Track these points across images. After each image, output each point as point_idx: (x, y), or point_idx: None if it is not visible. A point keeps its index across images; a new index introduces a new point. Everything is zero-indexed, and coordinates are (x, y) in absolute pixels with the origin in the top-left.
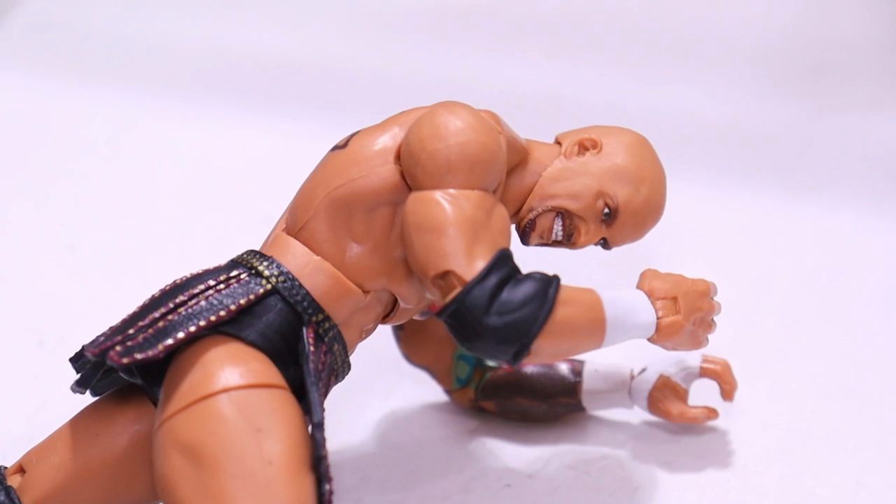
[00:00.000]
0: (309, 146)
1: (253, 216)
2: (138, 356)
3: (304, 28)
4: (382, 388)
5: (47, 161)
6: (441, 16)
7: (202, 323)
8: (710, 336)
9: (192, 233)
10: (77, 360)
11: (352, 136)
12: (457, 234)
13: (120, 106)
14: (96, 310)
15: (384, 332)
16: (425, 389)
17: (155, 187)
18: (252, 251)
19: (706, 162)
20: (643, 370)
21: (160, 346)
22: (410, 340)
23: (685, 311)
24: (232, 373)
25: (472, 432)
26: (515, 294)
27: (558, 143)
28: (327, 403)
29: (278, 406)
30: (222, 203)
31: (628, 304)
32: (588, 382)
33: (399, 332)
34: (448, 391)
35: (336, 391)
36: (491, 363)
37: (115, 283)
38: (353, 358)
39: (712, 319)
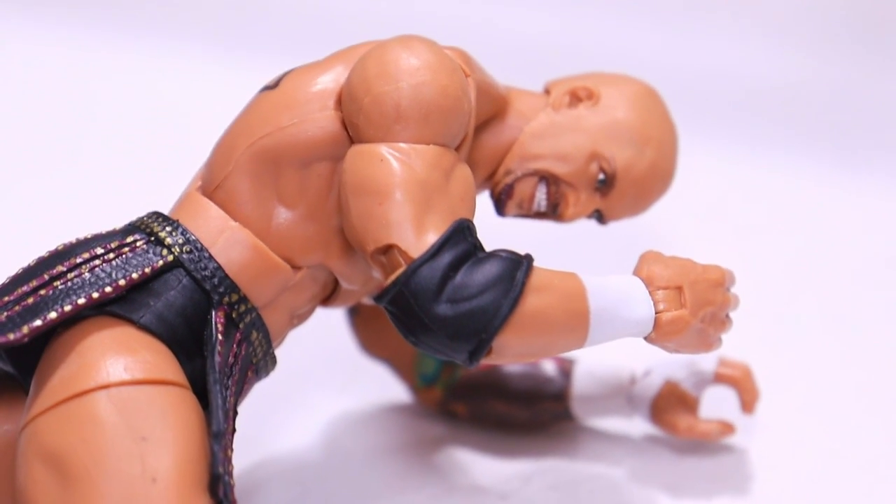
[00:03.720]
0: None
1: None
2: None
3: None
4: (334, 384)
5: None
6: None
7: (82, 300)
8: (724, 336)
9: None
10: None
11: (285, 74)
12: (404, 200)
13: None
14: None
15: (338, 316)
16: (385, 387)
17: (114, 131)
18: (155, 213)
19: (737, 124)
20: (646, 374)
21: (25, 329)
22: (367, 327)
23: (692, 304)
24: (115, 365)
25: (437, 441)
26: (474, 277)
27: (548, 92)
28: (261, 401)
29: (171, 409)
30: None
31: (620, 294)
32: (579, 386)
33: (354, 316)
34: (412, 389)
35: (279, 384)
36: None
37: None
38: (300, 345)
39: (727, 316)
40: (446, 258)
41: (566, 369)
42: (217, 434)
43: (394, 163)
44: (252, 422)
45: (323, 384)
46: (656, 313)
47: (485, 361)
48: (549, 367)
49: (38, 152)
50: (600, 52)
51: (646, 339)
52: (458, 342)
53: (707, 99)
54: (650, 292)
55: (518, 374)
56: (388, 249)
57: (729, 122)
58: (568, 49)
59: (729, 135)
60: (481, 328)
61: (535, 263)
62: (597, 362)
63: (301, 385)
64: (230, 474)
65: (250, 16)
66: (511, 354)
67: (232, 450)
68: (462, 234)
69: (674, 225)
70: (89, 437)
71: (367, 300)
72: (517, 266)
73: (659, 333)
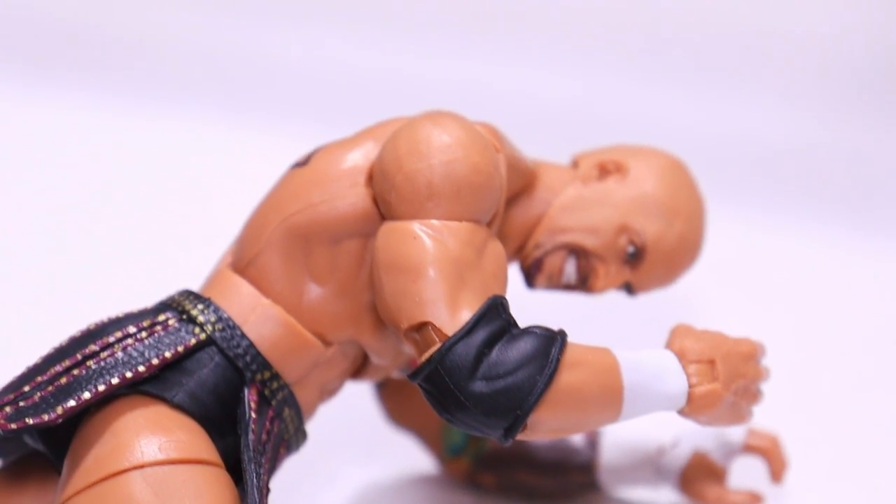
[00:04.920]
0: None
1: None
2: (30, 421)
3: (295, 24)
4: (359, 455)
5: None
6: (444, 12)
7: (115, 380)
8: (754, 408)
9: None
10: None
11: (315, 151)
12: (437, 277)
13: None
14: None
15: (362, 385)
16: (411, 457)
17: (117, 198)
18: (186, 291)
19: (758, 193)
20: (674, 444)
21: (59, 410)
22: (393, 397)
23: (725, 377)
24: (150, 444)
25: None
26: (509, 354)
27: (576, 165)
28: (285, 473)
29: (207, 488)
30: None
31: (653, 369)
32: (607, 457)
33: (381, 387)
34: (439, 460)
35: (303, 454)
36: None
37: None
38: (325, 415)
39: (758, 389)
40: (481, 335)
41: (593, 440)
42: None
43: (427, 240)
44: (276, 493)
45: (348, 454)
46: (689, 387)
47: (519, 437)
48: (576, 437)
49: (55, 226)
50: (621, 118)
51: (679, 412)
52: (494, 419)
53: (727, 164)
54: (683, 366)
55: (545, 445)
56: (421, 327)
57: (749, 186)
58: (595, 118)
59: (749, 200)
60: (517, 405)
61: (569, 339)
62: (624, 433)
63: (326, 455)
64: None
65: (278, 86)
66: (546, 430)
67: None
68: (496, 311)
69: (696, 292)
70: None
71: (396, 374)
72: (551, 342)
73: (692, 407)
